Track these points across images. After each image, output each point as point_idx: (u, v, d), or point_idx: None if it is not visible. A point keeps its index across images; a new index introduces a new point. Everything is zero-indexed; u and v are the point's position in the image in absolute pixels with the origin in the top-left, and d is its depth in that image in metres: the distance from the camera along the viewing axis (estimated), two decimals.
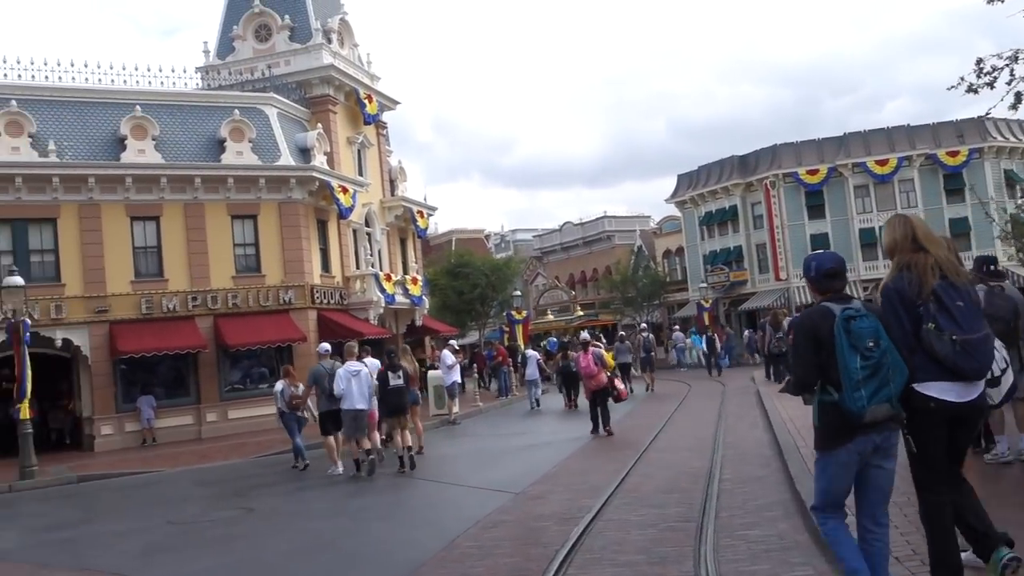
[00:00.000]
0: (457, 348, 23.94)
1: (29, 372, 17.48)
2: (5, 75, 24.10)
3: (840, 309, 4.44)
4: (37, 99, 23.99)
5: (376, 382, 13.84)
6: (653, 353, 29.34)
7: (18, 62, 24.64)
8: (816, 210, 46.23)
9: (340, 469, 13.73)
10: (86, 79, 25.37)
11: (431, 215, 37.10)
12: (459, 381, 22.58)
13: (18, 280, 17.80)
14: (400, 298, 30.58)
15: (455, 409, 21.60)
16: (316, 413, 14.70)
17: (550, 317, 54.21)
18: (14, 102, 23.13)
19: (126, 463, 19.01)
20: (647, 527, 7.91)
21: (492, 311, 46.69)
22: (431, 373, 23.91)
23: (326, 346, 15.35)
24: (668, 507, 8.75)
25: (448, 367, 21.73)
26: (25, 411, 17.29)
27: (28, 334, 17.73)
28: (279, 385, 15.53)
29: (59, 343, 22.89)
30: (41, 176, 22.95)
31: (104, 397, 23.49)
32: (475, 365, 29.79)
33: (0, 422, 21.96)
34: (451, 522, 9.06)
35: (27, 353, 17.56)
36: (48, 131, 23.69)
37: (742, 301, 48.05)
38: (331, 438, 14.05)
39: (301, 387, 15.11)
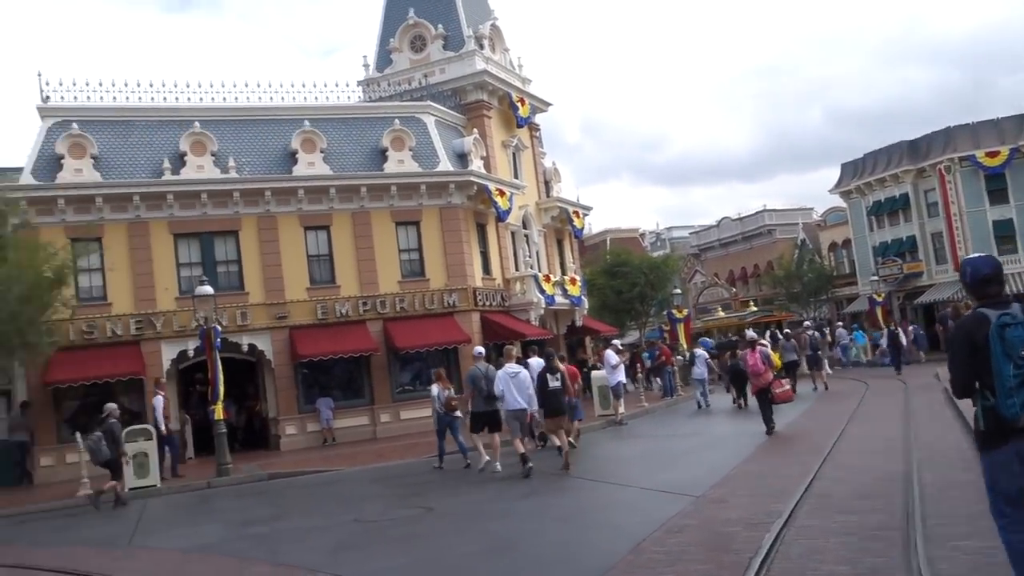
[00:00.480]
0: (620, 348, 23.70)
1: (221, 375, 18.68)
2: (188, 99, 25.88)
3: (996, 316, 4.49)
4: (217, 119, 25.65)
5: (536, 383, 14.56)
6: (820, 351, 28.08)
7: (199, 86, 26.65)
8: (998, 195, 42.84)
9: (487, 458, 14.57)
10: (259, 98, 26.84)
11: (586, 215, 36.99)
12: (623, 381, 22.32)
13: (208, 290, 19.05)
14: (560, 299, 30.63)
15: (621, 409, 21.37)
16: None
17: (721, 314, 52.64)
18: (197, 123, 24.82)
19: (309, 462, 19.91)
20: (846, 535, 7.47)
21: (652, 310, 46.03)
22: (595, 374, 23.81)
23: (480, 349, 16.45)
24: (866, 513, 8.25)
25: (612, 367, 21.54)
26: (219, 412, 18.48)
27: (219, 340, 18.96)
28: (435, 389, 16.32)
29: (245, 348, 24.34)
30: (223, 191, 24.50)
31: (287, 399, 24.78)
32: (637, 365, 29.45)
33: (199, 423, 23.53)
34: (632, 526, 8.87)
35: (219, 358, 18.77)
36: (228, 149, 25.26)
37: (918, 294, 45.25)
38: (476, 436, 14.96)
39: (451, 389, 16.28)
